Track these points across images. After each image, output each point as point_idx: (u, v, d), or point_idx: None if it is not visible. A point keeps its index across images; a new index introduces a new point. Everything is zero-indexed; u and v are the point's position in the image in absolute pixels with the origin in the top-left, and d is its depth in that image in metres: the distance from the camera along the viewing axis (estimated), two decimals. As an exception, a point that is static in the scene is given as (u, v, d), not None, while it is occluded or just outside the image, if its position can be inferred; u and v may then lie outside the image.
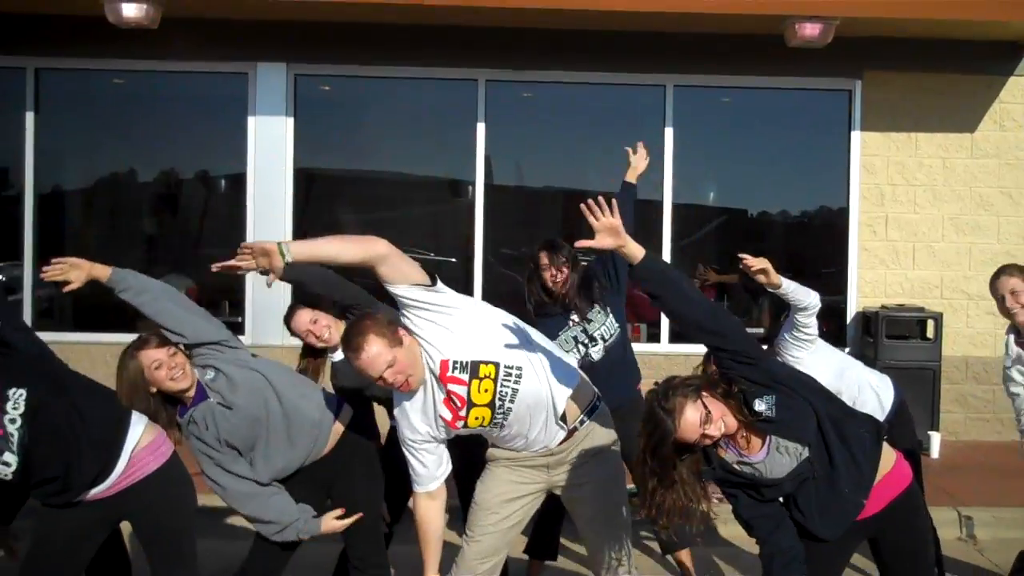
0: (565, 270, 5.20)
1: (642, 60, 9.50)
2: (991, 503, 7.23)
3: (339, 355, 4.92)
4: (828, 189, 10.06)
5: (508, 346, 3.74)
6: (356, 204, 10.14)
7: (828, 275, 10.01)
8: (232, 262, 3.82)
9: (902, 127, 9.68)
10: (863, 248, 9.70)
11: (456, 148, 9.88)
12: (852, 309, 9.73)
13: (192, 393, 4.11)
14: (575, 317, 5.20)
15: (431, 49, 9.36)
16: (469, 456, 4.24)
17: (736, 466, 3.47)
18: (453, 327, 3.69)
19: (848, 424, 3.51)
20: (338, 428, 4.45)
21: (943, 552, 6.24)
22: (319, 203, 9.91)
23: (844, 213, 9.84)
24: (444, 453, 3.90)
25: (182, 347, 4.13)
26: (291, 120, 9.63)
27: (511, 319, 3.88)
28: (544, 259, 5.25)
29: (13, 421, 3.63)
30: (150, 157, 10.17)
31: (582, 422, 3.90)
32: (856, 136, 9.73)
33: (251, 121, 9.60)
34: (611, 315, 5.26)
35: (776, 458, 3.43)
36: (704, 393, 3.34)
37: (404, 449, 3.88)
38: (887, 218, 9.70)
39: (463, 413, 3.74)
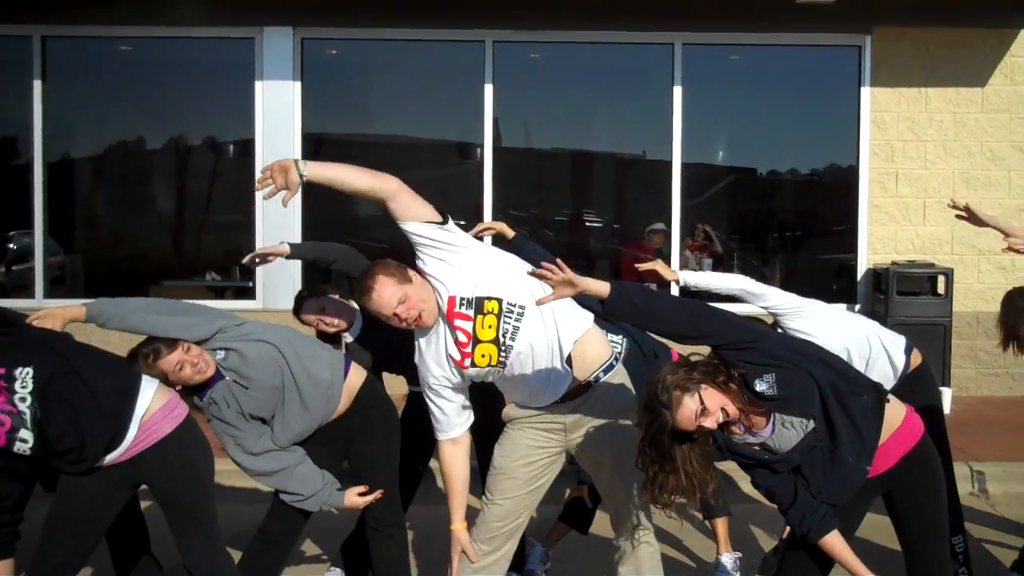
0: None
1: (650, 18, 9.44)
2: (1003, 458, 7.26)
3: (351, 335, 4.97)
4: (838, 146, 10.02)
5: (512, 285, 3.79)
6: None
7: (839, 232, 10.00)
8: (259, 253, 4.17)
9: (912, 82, 9.62)
10: (873, 205, 9.68)
11: (464, 110, 9.86)
12: (863, 266, 9.72)
13: (210, 375, 4.17)
14: None
15: (438, 11, 9.32)
16: (488, 417, 4.25)
17: (746, 445, 3.50)
18: (460, 264, 3.76)
19: (849, 391, 3.51)
20: (352, 385, 4.48)
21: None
22: (328, 167, 9.87)
23: (854, 170, 9.81)
24: (464, 400, 3.94)
25: None
26: (298, 84, 9.61)
27: (519, 261, 3.92)
28: None
29: (24, 399, 3.66)
30: (158, 124, 10.17)
31: (597, 379, 3.89)
32: (866, 92, 9.68)
33: (259, 86, 9.58)
34: (608, 333, 5.11)
35: (783, 433, 3.45)
36: (703, 386, 3.35)
37: (426, 396, 3.93)
38: (897, 174, 9.66)
39: (469, 350, 3.77)
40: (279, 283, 9.41)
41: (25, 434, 3.67)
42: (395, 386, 4.96)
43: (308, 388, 4.32)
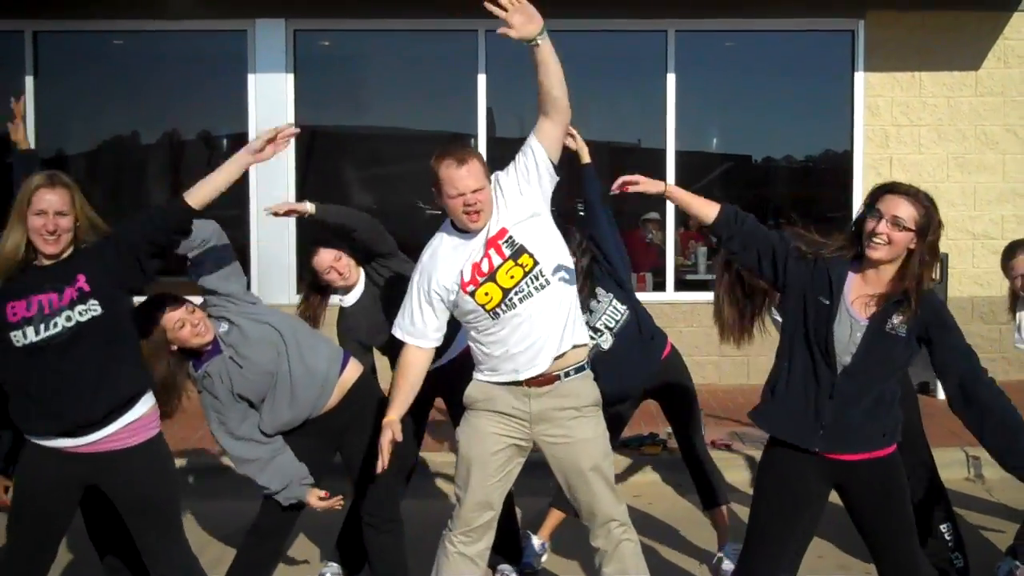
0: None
1: (643, 5, 9.42)
2: (999, 442, 7.25)
3: (350, 299, 4.95)
4: (832, 132, 10.02)
5: (556, 259, 3.88)
6: (359, 160, 10.12)
7: (834, 219, 9.99)
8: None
9: (906, 67, 9.61)
10: (868, 190, 9.63)
11: (457, 101, 9.84)
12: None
13: (209, 346, 4.18)
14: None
15: (429, 1, 9.29)
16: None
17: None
18: (532, 211, 3.86)
19: None
20: (345, 382, 4.47)
21: (951, 492, 6.32)
22: (322, 160, 9.89)
23: (848, 156, 9.80)
24: (443, 325, 3.97)
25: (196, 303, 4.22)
26: (291, 77, 9.59)
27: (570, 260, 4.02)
28: None
29: (69, 319, 3.63)
30: (152, 118, 10.16)
31: (567, 375, 3.91)
32: (859, 77, 9.67)
33: (251, 79, 9.57)
34: (614, 300, 5.05)
35: None
36: None
37: (413, 296, 3.93)
38: (891, 159, 9.66)
39: (481, 281, 3.80)
40: (275, 277, 9.42)
41: (61, 324, 3.63)
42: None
43: (302, 379, 4.32)
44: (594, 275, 5.04)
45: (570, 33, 9.73)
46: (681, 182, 9.64)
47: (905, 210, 3.47)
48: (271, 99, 9.49)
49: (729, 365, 9.33)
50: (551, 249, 3.89)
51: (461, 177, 3.80)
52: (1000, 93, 9.63)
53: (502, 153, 10.16)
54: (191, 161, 10.39)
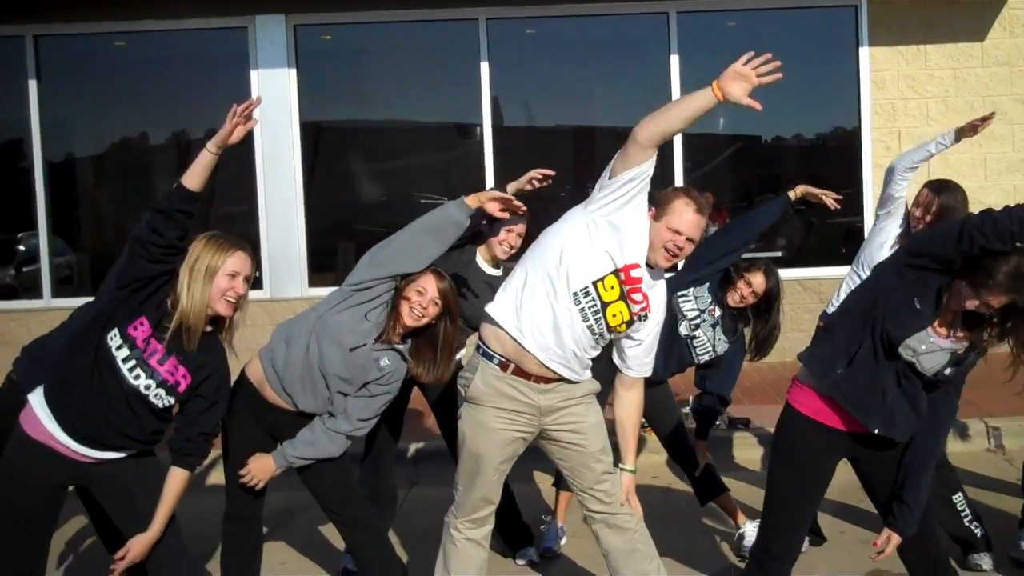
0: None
1: (643, -13, 9.40)
2: (1018, 413, 7.21)
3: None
4: (839, 108, 9.97)
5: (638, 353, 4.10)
6: (365, 154, 10.10)
7: (845, 196, 9.92)
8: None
9: (910, 40, 9.55)
10: (877, 165, 9.62)
11: (461, 91, 9.82)
12: (869, 228, 9.64)
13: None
14: (715, 315, 5.14)
15: (429, -9, 9.28)
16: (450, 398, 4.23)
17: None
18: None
19: None
20: None
21: (971, 463, 6.29)
22: (328, 155, 9.88)
23: (857, 131, 9.76)
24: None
25: None
26: (294, 72, 9.58)
27: None
28: (758, 286, 5.08)
29: (149, 388, 3.63)
30: (156, 118, 10.16)
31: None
32: (864, 52, 9.62)
33: (254, 75, 9.56)
34: (721, 342, 5.17)
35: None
36: None
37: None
38: (900, 133, 9.60)
39: (621, 283, 3.84)
40: (285, 273, 9.42)
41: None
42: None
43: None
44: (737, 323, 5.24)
45: (572, 18, 9.72)
46: (690, 165, 9.63)
47: None
48: (274, 95, 9.47)
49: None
50: (643, 352, 4.07)
51: (691, 223, 3.86)
52: (1007, 63, 9.56)
53: (508, 142, 10.20)
54: (197, 160, 10.38)
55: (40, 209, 9.70)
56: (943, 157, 9.45)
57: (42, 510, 3.76)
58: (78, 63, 9.96)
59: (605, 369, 4.20)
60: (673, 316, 5.04)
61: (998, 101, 9.55)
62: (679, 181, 9.57)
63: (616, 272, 3.81)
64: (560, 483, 5.41)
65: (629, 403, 4.15)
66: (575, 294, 3.80)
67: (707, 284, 5.13)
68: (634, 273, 3.83)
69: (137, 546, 3.70)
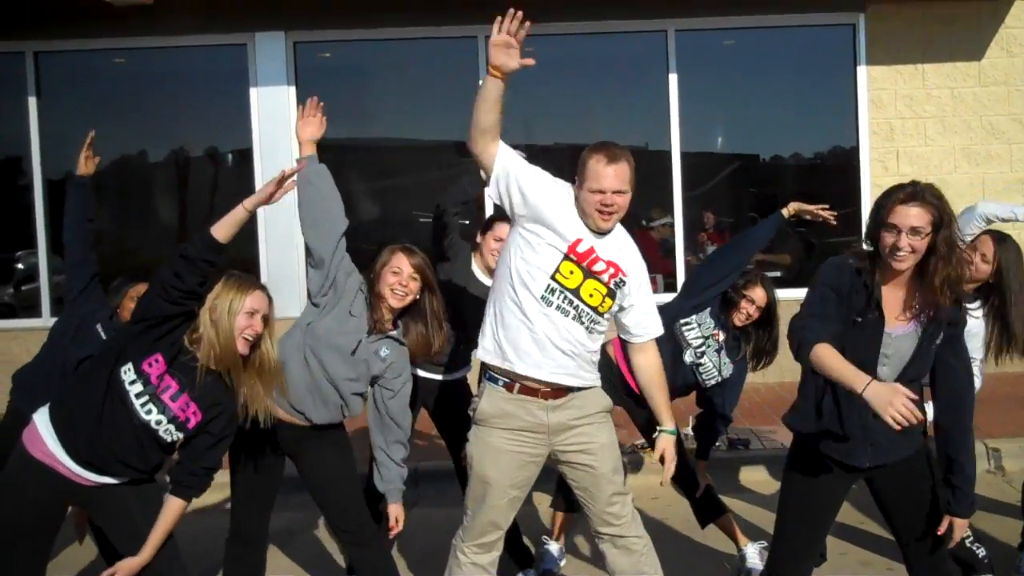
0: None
1: (642, 6, 9.41)
2: (1018, 434, 7.21)
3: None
4: (838, 127, 9.99)
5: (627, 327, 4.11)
6: (364, 171, 10.10)
7: (843, 215, 9.93)
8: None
9: (908, 59, 9.58)
10: (875, 185, 9.64)
11: (460, 109, 9.76)
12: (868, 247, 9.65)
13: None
14: (719, 340, 5.12)
15: (429, 8, 9.29)
16: (461, 417, 4.21)
17: None
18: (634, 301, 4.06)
19: None
20: None
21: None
22: (327, 172, 9.86)
23: (855, 150, 9.77)
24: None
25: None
26: (293, 89, 9.59)
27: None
28: (760, 300, 5.10)
29: (160, 424, 3.67)
30: (155, 135, 10.17)
31: (579, 389, 3.95)
32: (862, 71, 9.64)
33: (253, 93, 9.57)
34: (726, 366, 5.16)
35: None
36: None
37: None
38: (898, 152, 9.63)
39: (576, 263, 3.83)
40: (284, 292, 9.40)
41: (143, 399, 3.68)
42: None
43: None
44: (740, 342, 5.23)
45: (571, 36, 9.74)
46: (688, 183, 9.64)
47: (919, 218, 3.45)
48: (274, 112, 9.49)
49: (742, 364, 9.30)
50: (639, 315, 4.02)
51: (607, 176, 3.79)
52: (1004, 82, 9.59)
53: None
54: (197, 177, 10.40)
55: (39, 227, 9.69)
56: (940, 179, 9.50)
57: (40, 527, 3.76)
58: (78, 80, 9.97)
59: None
60: (677, 344, 5.04)
61: (996, 121, 9.58)
62: (677, 199, 9.59)
63: (566, 256, 3.80)
64: (557, 503, 5.40)
65: (647, 367, 4.13)
66: (542, 298, 3.79)
67: (708, 309, 5.12)
68: (581, 248, 3.81)
69: (125, 567, 3.70)
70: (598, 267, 3.82)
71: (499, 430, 3.91)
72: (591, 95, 10.09)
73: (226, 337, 3.68)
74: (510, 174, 3.85)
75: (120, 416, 3.65)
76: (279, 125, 9.48)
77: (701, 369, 5.12)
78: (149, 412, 3.65)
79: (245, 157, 9.72)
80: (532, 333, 3.80)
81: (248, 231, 9.56)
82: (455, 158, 10.23)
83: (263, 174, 9.51)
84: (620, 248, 3.92)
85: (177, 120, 10.04)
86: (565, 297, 3.80)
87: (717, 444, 6.47)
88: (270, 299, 3.90)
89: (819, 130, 10.25)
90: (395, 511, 4.34)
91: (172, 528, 3.77)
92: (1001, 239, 4.73)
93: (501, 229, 4.89)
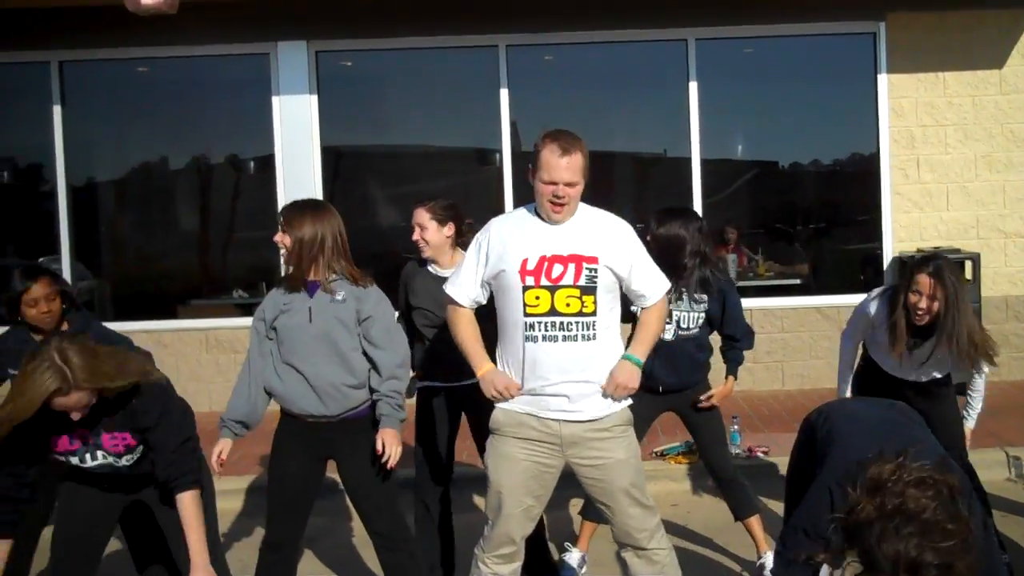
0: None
1: (662, 15, 9.42)
2: (1038, 441, 7.19)
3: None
4: (858, 135, 9.96)
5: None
6: (384, 179, 10.15)
7: (863, 222, 9.94)
8: None
9: (929, 67, 9.56)
10: (896, 192, 9.62)
11: (481, 117, 9.87)
12: (888, 255, 9.66)
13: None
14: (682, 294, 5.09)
15: (449, 17, 9.33)
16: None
17: None
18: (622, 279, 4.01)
19: None
20: None
21: (990, 492, 6.23)
22: (348, 180, 9.93)
23: (875, 158, 9.75)
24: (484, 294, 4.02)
25: None
26: (315, 98, 9.65)
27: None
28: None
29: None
30: (179, 144, 10.24)
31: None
32: (883, 79, 9.63)
33: (275, 101, 9.63)
34: (700, 314, 5.12)
35: None
36: None
37: (474, 248, 4.01)
38: (919, 160, 9.60)
39: (539, 281, 3.82)
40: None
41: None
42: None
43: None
44: (706, 286, 5.11)
45: (591, 45, 9.77)
46: (708, 190, 9.64)
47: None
48: (296, 121, 9.55)
49: (763, 371, 9.27)
50: (640, 280, 3.96)
51: (559, 167, 3.78)
52: (1025, 90, 9.56)
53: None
54: (219, 185, 10.47)
55: (63, 233, 9.77)
56: (961, 187, 9.50)
57: (99, 526, 4.05)
58: (102, 88, 10.05)
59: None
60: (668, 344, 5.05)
61: (1017, 129, 9.55)
62: (697, 207, 9.59)
63: (524, 288, 3.80)
64: (586, 511, 5.37)
65: (650, 312, 4.05)
66: (526, 336, 3.81)
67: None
68: (530, 266, 3.81)
69: None
70: (557, 270, 3.79)
71: (514, 439, 3.92)
72: (612, 103, 10.11)
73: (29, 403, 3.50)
74: (486, 289, 4.00)
75: (86, 474, 3.89)
76: (301, 132, 9.54)
77: (678, 319, 5.10)
78: (95, 458, 3.81)
79: (267, 164, 9.78)
80: (536, 367, 3.83)
81: (270, 238, 9.59)
82: (476, 166, 10.29)
83: (284, 181, 9.55)
84: (581, 234, 3.88)
85: (199, 128, 10.11)
86: (544, 324, 3.79)
87: (736, 453, 6.48)
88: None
89: (839, 138, 10.24)
90: (383, 436, 4.17)
91: (201, 523, 3.82)
92: (935, 273, 4.77)
93: (417, 214, 5.18)
